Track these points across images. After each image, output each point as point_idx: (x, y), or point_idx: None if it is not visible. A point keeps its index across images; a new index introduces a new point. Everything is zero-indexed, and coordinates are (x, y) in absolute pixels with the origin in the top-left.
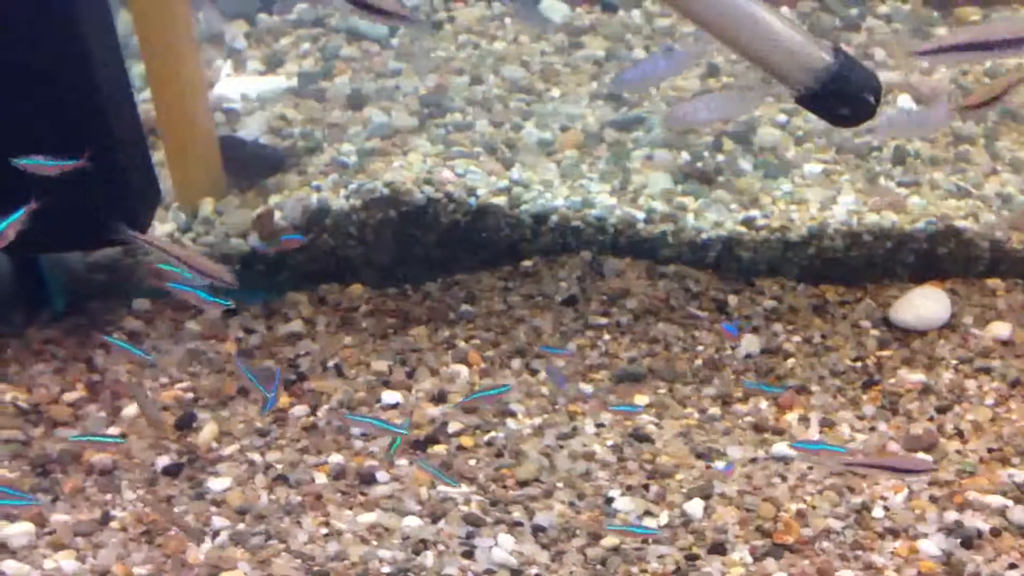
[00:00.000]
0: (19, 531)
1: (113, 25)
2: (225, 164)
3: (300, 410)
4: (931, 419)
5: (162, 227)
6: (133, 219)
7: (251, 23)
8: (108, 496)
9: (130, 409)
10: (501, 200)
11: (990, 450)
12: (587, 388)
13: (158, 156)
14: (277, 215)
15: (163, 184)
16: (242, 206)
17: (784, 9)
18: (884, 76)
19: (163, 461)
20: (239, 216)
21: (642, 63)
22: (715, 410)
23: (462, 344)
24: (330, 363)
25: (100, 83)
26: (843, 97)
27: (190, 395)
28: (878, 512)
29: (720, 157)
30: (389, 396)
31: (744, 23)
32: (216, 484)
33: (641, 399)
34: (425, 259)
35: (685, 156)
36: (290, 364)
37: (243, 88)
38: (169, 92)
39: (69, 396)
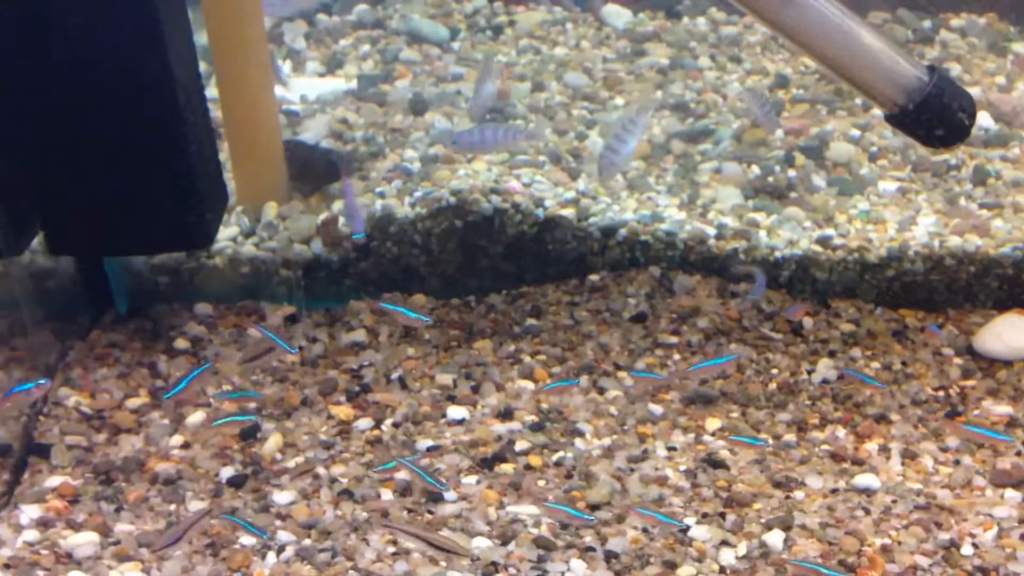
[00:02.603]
0: (84, 541)
1: (189, 24)
2: (288, 168)
3: (364, 423)
4: (1019, 454)
5: (225, 231)
6: (201, 223)
7: (310, 23)
8: (172, 506)
9: (194, 417)
10: (569, 212)
11: None
12: (656, 409)
13: (222, 157)
14: (341, 221)
15: (229, 187)
16: (306, 211)
17: None
18: None
19: (227, 472)
20: (303, 222)
21: (480, 130)
22: (790, 436)
23: (528, 359)
24: (393, 375)
25: (174, 83)
26: (938, 118)
27: (254, 404)
28: (967, 550)
29: (792, 172)
30: (455, 411)
31: (838, 38)
32: (281, 497)
33: (713, 423)
34: (490, 270)
35: (755, 170)
36: (354, 375)
37: (302, 90)
38: (236, 93)
39: (132, 402)
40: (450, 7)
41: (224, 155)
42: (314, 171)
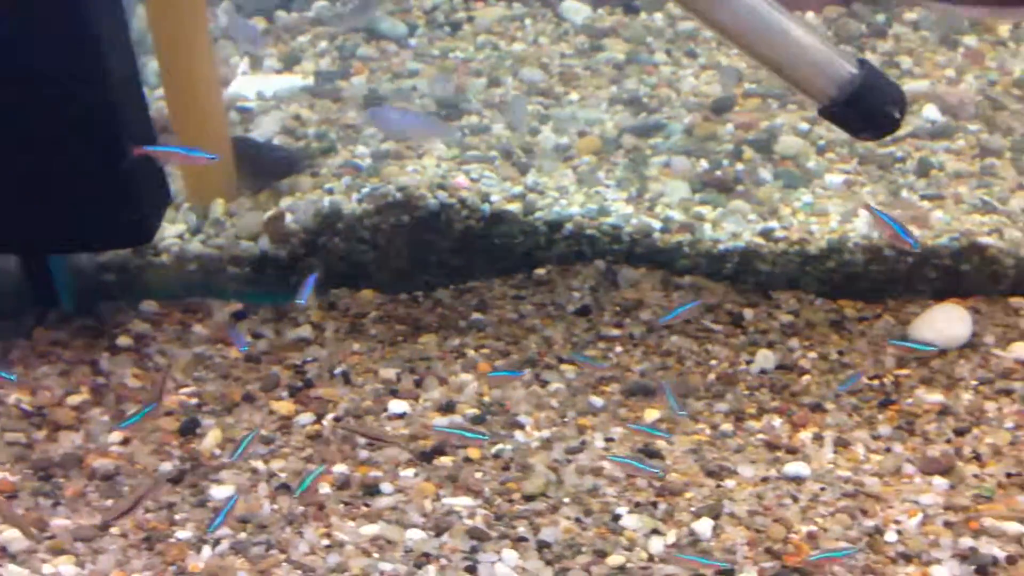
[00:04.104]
0: (19, 535)
1: (125, 19)
2: (238, 165)
3: (306, 418)
4: (948, 441)
5: (172, 228)
6: (141, 220)
7: (269, 20)
8: (109, 502)
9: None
10: (515, 207)
11: (1008, 475)
12: (597, 401)
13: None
14: (289, 218)
15: (175, 184)
16: (254, 208)
17: (810, 15)
18: (910, 85)
19: (166, 467)
20: (251, 218)
21: (402, 114)
22: (727, 426)
23: (472, 353)
24: (337, 370)
25: (109, 79)
26: (867, 110)
27: (195, 401)
28: (891, 536)
29: (740, 166)
30: (396, 405)
31: (768, 34)
32: (218, 492)
33: (652, 413)
34: (438, 265)
35: (704, 164)
36: (297, 370)
37: (259, 86)
38: (182, 91)
39: (73, 399)
40: (409, 3)
41: None
42: (263, 168)
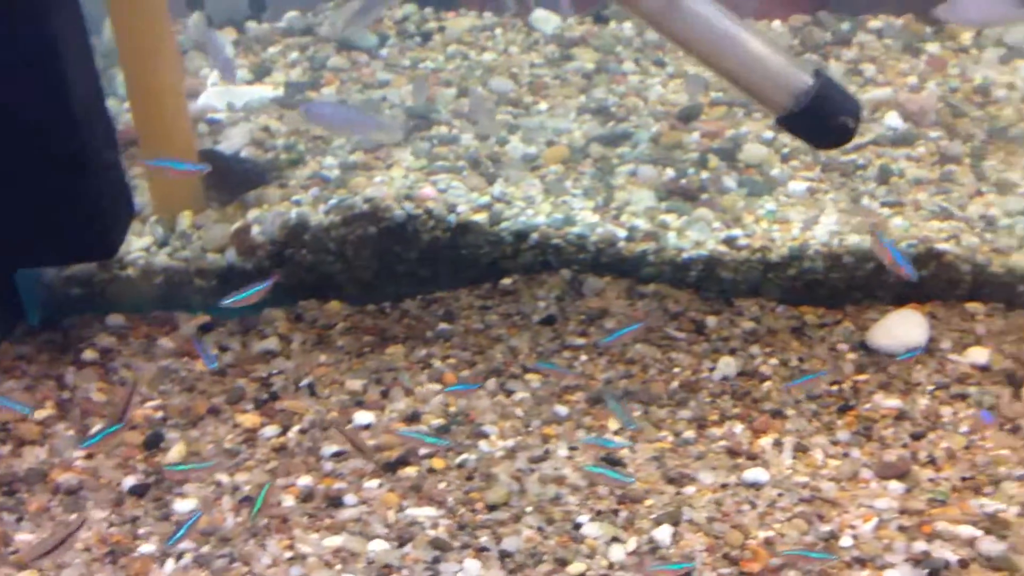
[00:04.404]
0: None
1: (86, 32)
2: (205, 177)
3: (271, 431)
4: (905, 446)
5: (139, 240)
6: (105, 235)
7: (240, 31)
8: (73, 516)
9: (100, 426)
10: (481, 217)
11: (963, 479)
12: (562, 410)
13: (138, 168)
14: (255, 230)
15: (142, 197)
16: (221, 220)
17: (776, 23)
18: (873, 93)
19: (130, 481)
20: (217, 230)
21: (335, 108)
22: (690, 433)
23: (438, 363)
24: (303, 382)
25: (71, 93)
26: (822, 120)
27: (160, 414)
28: (846, 541)
29: (705, 174)
30: (362, 416)
31: (725, 45)
32: (182, 505)
33: (615, 422)
34: (406, 275)
35: (670, 172)
36: (263, 383)
37: (230, 97)
38: (148, 104)
39: (38, 414)
40: (381, 13)
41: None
42: (231, 181)
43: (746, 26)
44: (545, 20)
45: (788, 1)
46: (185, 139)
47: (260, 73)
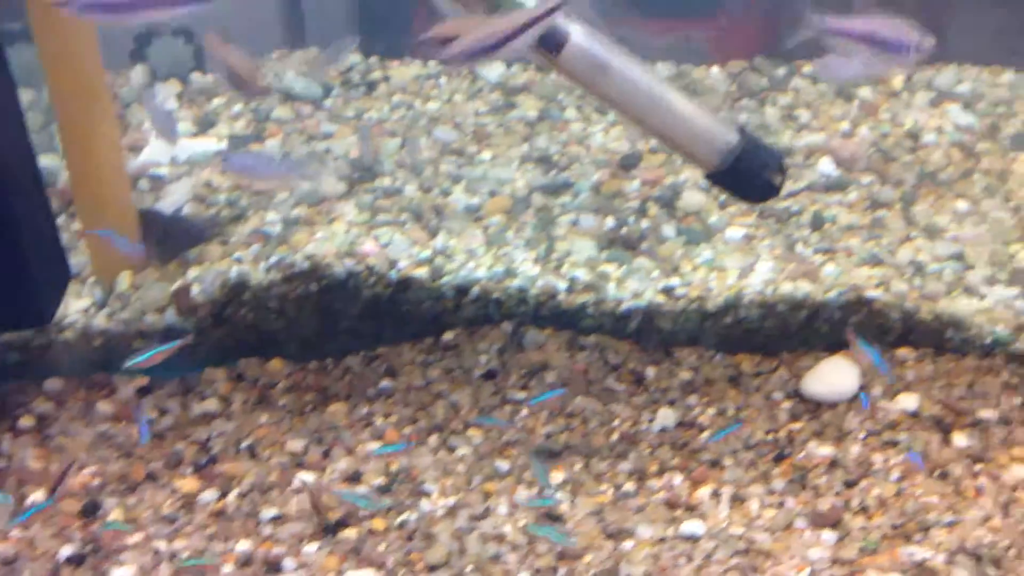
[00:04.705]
0: None
1: (12, 85)
2: (145, 238)
3: (209, 495)
4: (838, 494)
5: (77, 303)
6: (38, 303)
7: (183, 82)
8: None
9: (37, 495)
10: (423, 272)
11: (893, 527)
12: (503, 465)
13: (77, 227)
14: (195, 289)
15: (81, 257)
16: (161, 280)
17: (715, 69)
18: (807, 139)
19: (67, 551)
20: (157, 290)
21: (256, 158)
22: (630, 486)
23: (380, 421)
24: (244, 444)
25: None
26: (748, 176)
27: (97, 481)
28: None
29: (645, 223)
30: (303, 478)
31: (653, 106)
32: (120, 573)
33: (557, 476)
34: (348, 332)
35: (610, 221)
36: (202, 446)
37: (173, 151)
38: (84, 165)
39: None
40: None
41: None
42: (171, 240)
43: (672, 87)
44: (490, 67)
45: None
46: (123, 198)
47: (204, 125)
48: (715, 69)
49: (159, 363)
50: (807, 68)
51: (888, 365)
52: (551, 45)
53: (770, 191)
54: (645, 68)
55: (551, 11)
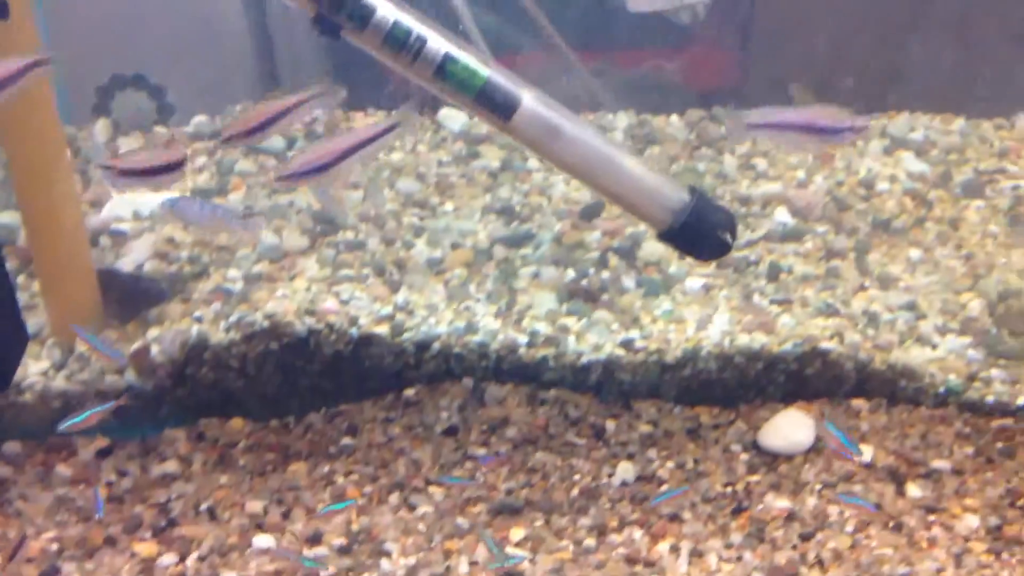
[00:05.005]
0: None
1: None
2: (104, 298)
3: (169, 559)
4: (794, 547)
5: (36, 364)
6: None
7: (146, 135)
8: None
9: None
10: (383, 329)
11: None
12: (464, 523)
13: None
14: (155, 349)
15: (40, 317)
16: (120, 340)
17: (674, 118)
18: (764, 188)
19: None
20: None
21: (201, 206)
22: (590, 542)
23: (341, 480)
24: (203, 506)
25: None
26: (700, 235)
27: (56, 546)
28: None
29: (605, 274)
30: (261, 540)
31: (604, 168)
32: None
33: (518, 533)
34: (309, 389)
35: (571, 273)
36: (161, 509)
37: (135, 206)
38: (42, 225)
39: None
40: None
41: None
42: (131, 299)
43: (623, 149)
44: (453, 118)
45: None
46: (83, 256)
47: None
48: (674, 118)
49: (96, 424)
50: None
51: (856, 446)
52: (502, 111)
53: (722, 249)
54: (596, 131)
55: (390, 129)
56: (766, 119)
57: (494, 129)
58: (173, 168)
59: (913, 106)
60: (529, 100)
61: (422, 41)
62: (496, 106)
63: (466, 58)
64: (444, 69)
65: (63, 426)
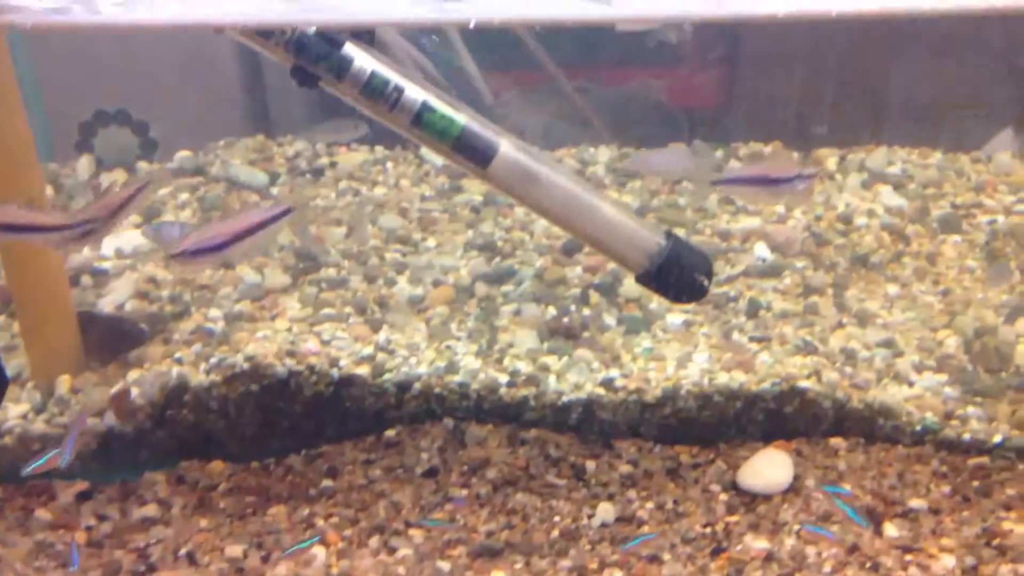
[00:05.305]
0: None
1: None
2: (85, 339)
3: None
4: None
5: (16, 408)
6: None
7: (130, 171)
8: None
9: None
10: (364, 370)
11: None
12: (444, 566)
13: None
14: (135, 391)
15: (20, 359)
16: (100, 383)
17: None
18: (744, 223)
19: None
20: (96, 394)
21: (181, 228)
22: None
23: (321, 523)
24: (183, 551)
25: None
26: (676, 278)
27: None
28: None
29: (586, 311)
30: None
31: (581, 213)
32: None
33: (498, 575)
34: (290, 430)
35: (552, 311)
36: (140, 554)
37: (118, 243)
38: (23, 266)
39: None
40: (271, 151)
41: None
42: (111, 341)
43: (601, 193)
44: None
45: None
46: (63, 297)
47: (149, 215)
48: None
49: (59, 466)
50: (743, 150)
51: (864, 518)
52: (480, 158)
53: (698, 292)
54: (573, 176)
55: (284, 213)
56: (726, 176)
57: None
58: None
59: (891, 138)
60: (506, 147)
61: (400, 90)
62: (474, 153)
63: (443, 107)
64: (422, 118)
65: (26, 471)
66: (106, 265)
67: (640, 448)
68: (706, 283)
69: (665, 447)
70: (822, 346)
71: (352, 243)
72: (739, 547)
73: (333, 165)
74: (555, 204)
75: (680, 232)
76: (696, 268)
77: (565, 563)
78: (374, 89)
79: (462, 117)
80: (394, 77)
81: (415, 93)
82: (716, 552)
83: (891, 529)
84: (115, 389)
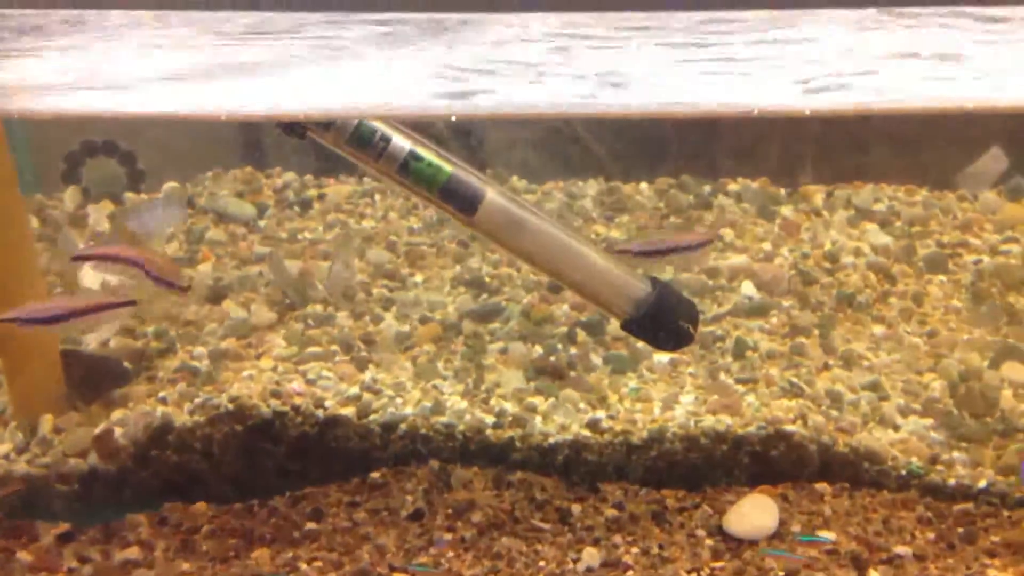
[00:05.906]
0: None
1: None
2: (68, 379)
3: None
4: None
5: None
6: None
7: (117, 202)
8: None
9: None
10: (350, 410)
11: None
12: None
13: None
14: (118, 432)
15: (2, 397)
16: (83, 423)
17: (643, 185)
18: (731, 260)
19: None
20: (79, 434)
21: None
22: None
23: (304, 566)
24: None
25: None
26: (661, 325)
27: None
28: None
29: (573, 350)
30: None
31: (567, 259)
32: None
33: None
34: (274, 471)
35: (539, 350)
36: None
37: (105, 276)
38: (4, 305)
39: None
40: (260, 182)
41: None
42: (94, 380)
43: (587, 241)
44: None
45: None
46: (47, 335)
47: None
48: (644, 185)
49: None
50: (732, 186)
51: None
52: (466, 205)
53: (683, 339)
54: (558, 223)
55: (124, 304)
56: (646, 247)
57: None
58: None
59: (876, 175)
60: (492, 195)
61: (387, 140)
62: (460, 201)
63: (430, 155)
64: (408, 166)
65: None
66: None
67: (626, 491)
68: (692, 331)
69: (651, 490)
70: (808, 388)
71: (332, 287)
72: None
73: (321, 197)
74: (541, 251)
75: (669, 267)
76: (682, 315)
77: None
78: (361, 138)
79: (448, 166)
80: (381, 126)
81: (402, 142)
82: None
83: None
84: (98, 430)
